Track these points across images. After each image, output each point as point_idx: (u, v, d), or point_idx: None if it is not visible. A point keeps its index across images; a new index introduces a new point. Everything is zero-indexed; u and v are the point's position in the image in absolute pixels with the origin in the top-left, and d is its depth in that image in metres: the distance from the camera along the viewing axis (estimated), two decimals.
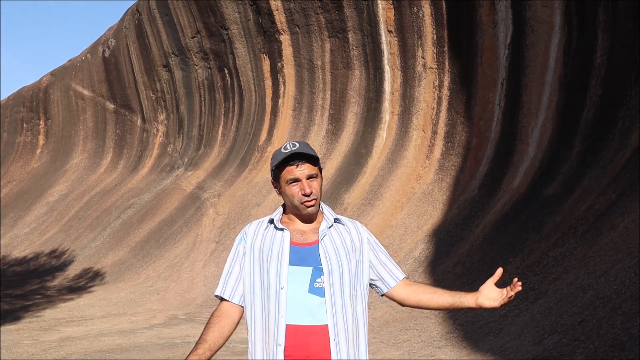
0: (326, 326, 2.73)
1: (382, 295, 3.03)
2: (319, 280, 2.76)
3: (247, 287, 2.86)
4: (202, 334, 2.80)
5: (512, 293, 2.80)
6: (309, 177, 2.82)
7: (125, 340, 10.52)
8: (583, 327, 6.11)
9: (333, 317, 2.74)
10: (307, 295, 2.75)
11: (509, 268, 9.61)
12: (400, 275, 2.99)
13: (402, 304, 3.03)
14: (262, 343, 2.77)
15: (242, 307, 2.88)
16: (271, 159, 2.91)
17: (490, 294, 2.86)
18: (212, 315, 2.87)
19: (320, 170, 2.92)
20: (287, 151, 2.80)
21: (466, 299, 2.89)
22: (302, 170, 2.81)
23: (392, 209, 14.51)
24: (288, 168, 2.81)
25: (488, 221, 11.79)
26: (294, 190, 2.81)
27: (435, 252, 12.00)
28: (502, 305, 2.86)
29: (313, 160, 2.85)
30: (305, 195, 2.80)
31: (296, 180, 2.81)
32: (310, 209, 2.83)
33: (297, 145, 2.83)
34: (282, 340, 2.70)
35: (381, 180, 15.59)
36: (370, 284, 3.00)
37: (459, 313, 9.01)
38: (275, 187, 2.94)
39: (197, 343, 2.75)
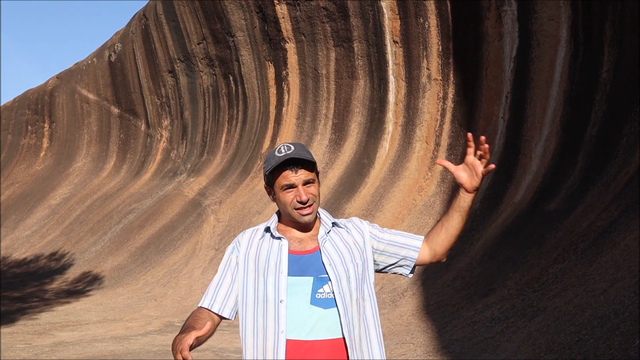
0: (335, 340, 2.53)
1: (410, 273, 2.85)
2: (321, 290, 2.57)
3: (239, 300, 2.66)
4: (189, 323, 2.56)
5: (481, 155, 2.61)
6: (306, 183, 2.62)
7: (119, 347, 10.41)
8: (580, 346, 5.99)
9: (348, 329, 2.53)
10: (309, 307, 2.54)
11: (509, 283, 9.49)
12: (418, 242, 2.81)
13: (438, 261, 2.86)
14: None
15: (228, 319, 2.69)
16: (264, 163, 2.71)
17: (465, 175, 2.68)
18: (193, 315, 2.63)
19: (318, 174, 2.72)
20: (281, 155, 2.60)
21: (462, 201, 2.72)
22: (299, 175, 2.60)
23: (393, 220, 14.39)
24: (283, 173, 2.61)
25: (489, 235, 11.67)
26: (289, 197, 2.62)
27: (434, 265, 11.85)
28: (485, 174, 2.65)
29: (310, 164, 2.65)
30: (300, 202, 2.60)
31: (291, 186, 2.61)
32: (306, 217, 2.63)
33: (292, 148, 2.63)
34: (282, 356, 2.50)
35: (383, 191, 15.48)
36: (394, 271, 2.83)
37: (456, 328, 8.89)
38: (269, 193, 2.75)
39: (187, 329, 2.49)
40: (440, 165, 2.67)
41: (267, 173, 2.68)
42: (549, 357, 6.25)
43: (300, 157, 2.62)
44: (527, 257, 9.84)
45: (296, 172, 2.62)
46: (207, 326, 2.43)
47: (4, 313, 14.50)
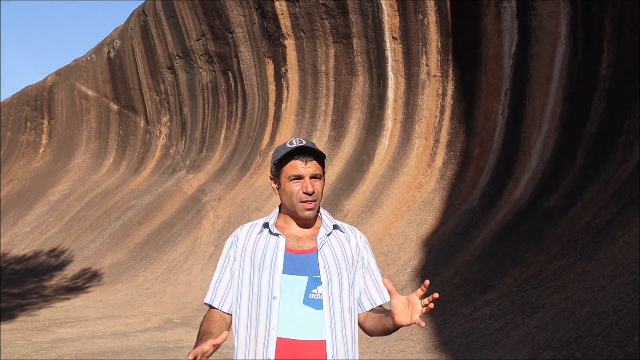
0: (322, 342, 2.53)
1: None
2: (314, 291, 2.57)
3: (234, 294, 2.68)
4: (205, 328, 2.57)
5: (425, 304, 2.46)
6: (313, 177, 2.63)
7: (118, 343, 10.42)
8: (579, 343, 5.99)
9: (332, 332, 2.54)
10: (301, 307, 2.55)
11: (508, 280, 9.49)
12: (380, 301, 2.75)
13: (362, 329, 2.80)
14: (245, 355, 2.58)
15: (231, 315, 2.69)
16: (273, 153, 2.72)
17: (400, 308, 2.50)
18: (207, 319, 2.66)
19: (324, 173, 2.73)
20: (292, 146, 2.61)
21: (387, 323, 2.58)
22: (308, 167, 2.62)
23: (392, 217, 14.40)
24: (293, 162, 2.62)
25: (488, 232, 11.67)
26: (295, 187, 2.62)
27: (434, 261, 11.88)
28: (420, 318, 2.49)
29: (320, 158, 2.67)
30: (306, 193, 2.60)
31: (299, 177, 2.62)
32: (308, 212, 2.63)
33: (304, 142, 2.64)
34: (272, 354, 2.51)
35: (382, 188, 15.48)
36: None
37: (455, 325, 8.90)
38: (274, 183, 2.73)
39: (204, 335, 2.50)
40: (385, 285, 2.54)
41: (275, 162, 2.68)
42: (548, 354, 6.25)
43: (312, 148, 2.64)
44: (526, 254, 9.85)
45: (306, 164, 2.63)
46: (224, 335, 2.41)
47: (4, 309, 14.50)
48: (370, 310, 2.76)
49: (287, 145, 2.65)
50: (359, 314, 2.77)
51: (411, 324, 2.48)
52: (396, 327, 2.56)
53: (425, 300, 2.46)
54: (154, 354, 9.49)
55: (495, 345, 7.54)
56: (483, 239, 11.54)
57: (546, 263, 9.06)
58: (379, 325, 2.65)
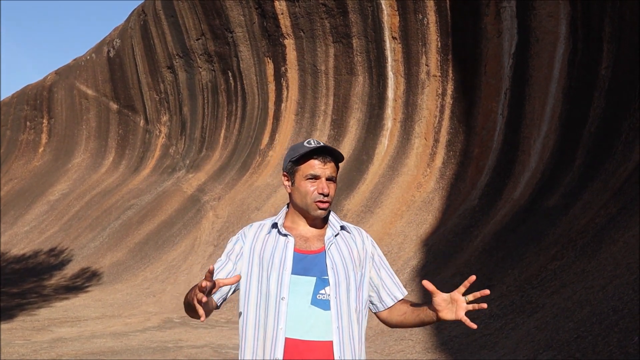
0: (329, 342, 2.54)
1: (374, 312, 2.84)
2: (322, 291, 2.58)
3: (241, 294, 2.67)
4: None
5: (470, 304, 2.53)
6: (329, 179, 2.65)
7: (118, 343, 10.41)
8: (579, 343, 5.99)
9: (339, 333, 2.55)
10: (309, 307, 2.56)
11: (507, 280, 9.49)
12: (400, 295, 2.80)
13: (387, 324, 2.84)
14: (253, 355, 2.59)
15: (218, 307, 2.65)
16: (289, 151, 2.73)
17: (443, 305, 2.57)
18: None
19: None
20: (311, 146, 2.63)
21: (427, 317, 2.65)
22: (326, 168, 2.64)
23: (391, 216, 14.40)
24: (311, 162, 2.64)
25: (488, 232, 11.67)
26: (310, 187, 2.63)
27: (433, 261, 11.88)
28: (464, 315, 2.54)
29: (338, 160, 2.69)
30: (321, 194, 2.61)
31: (316, 177, 2.63)
32: (321, 211, 2.65)
33: (321, 143, 2.66)
34: (280, 354, 2.51)
35: (381, 188, 15.48)
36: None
37: (454, 325, 8.89)
38: (287, 180, 2.73)
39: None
40: (425, 286, 2.58)
41: (293, 159, 2.67)
42: (548, 354, 6.25)
43: (332, 149, 2.67)
44: (525, 254, 9.84)
45: (324, 164, 2.64)
46: (237, 277, 2.42)
47: (3, 309, 14.50)
48: (392, 306, 2.80)
49: (305, 144, 2.66)
50: (380, 312, 2.82)
51: (456, 320, 2.55)
52: (438, 321, 2.63)
53: (470, 297, 2.53)
54: (154, 353, 9.49)
55: (495, 346, 7.54)
56: (483, 238, 11.53)
57: (546, 263, 9.05)
58: (415, 318, 2.71)
